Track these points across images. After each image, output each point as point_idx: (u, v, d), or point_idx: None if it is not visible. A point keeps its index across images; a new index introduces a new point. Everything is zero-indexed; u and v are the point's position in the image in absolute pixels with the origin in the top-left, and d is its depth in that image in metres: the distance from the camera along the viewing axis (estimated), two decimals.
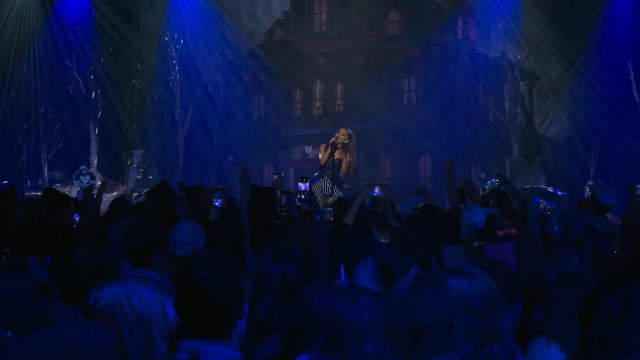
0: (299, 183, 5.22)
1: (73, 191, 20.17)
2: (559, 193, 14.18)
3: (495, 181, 6.90)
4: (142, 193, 17.62)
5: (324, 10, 28.90)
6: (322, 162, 11.57)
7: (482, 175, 22.71)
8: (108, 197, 14.29)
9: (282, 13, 29.78)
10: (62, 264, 3.93)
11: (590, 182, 18.59)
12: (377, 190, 6.34)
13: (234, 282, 2.55)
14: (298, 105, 29.31)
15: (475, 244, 4.69)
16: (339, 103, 28.07)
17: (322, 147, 11.89)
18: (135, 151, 25.12)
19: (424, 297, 2.37)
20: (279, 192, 6.32)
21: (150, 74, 25.83)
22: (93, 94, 24.93)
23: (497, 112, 25.15)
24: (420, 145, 25.82)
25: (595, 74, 21.71)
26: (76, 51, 24.42)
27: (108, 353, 3.73)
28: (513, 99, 24.71)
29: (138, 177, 24.35)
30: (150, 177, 23.93)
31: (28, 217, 6.03)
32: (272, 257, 3.71)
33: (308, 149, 27.21)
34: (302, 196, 5.03)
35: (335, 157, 11.40)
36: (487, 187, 7.29)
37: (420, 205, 5.91)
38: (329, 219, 5.15)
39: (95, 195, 7.42)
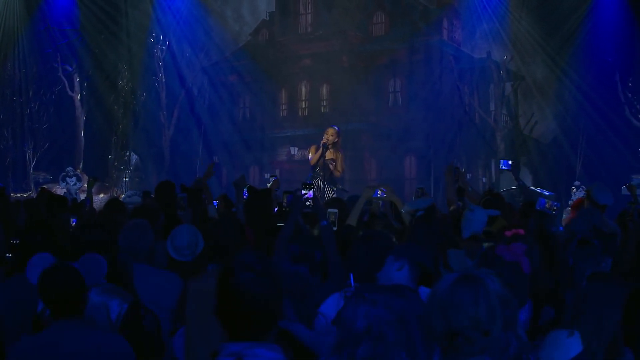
0: (303, 190, 5.24)
1: (59, 193, 20.02)
2: (547, 193, 14.29)
3: (508, 163, 6.73)
4: (130, 194, 17.53)
5: (309, 11, 28.84)
6: (312, 163, 11.56)
7: (469, 176, 22.74)
8: (96, 200, 14.22)
9: (268, 14, 29.71)
10: (62, 271, 3.75)
11: (577, 182, 18.68)
12: (379, 191, 6.32)
13: (275, 283, 2.53)
14: (283, 106, 29.21)
15: (485, 244, 4.69)
16: (324, 104, 28.01)
17: (313, 148, 11.89)
18: (129, 152, 25.00)
19: (463, 299, 2.28)
20: (281, 194, 6.34)
21: (136, 75, 25.69)
22: (79, 95, 24.77)
23: (483, 112, 25.22)
24: (406, 145, 25.84)
25: (580, 74, 21.76)
26: (62, 52, 24.26)
27: None
28: (499, 99, 24.77)
29: (125, 178, 24.24)
30: (137, 179, 23.88)
31: (30, 219, 5.99)
32: (290, 257, 3.70)
33: (294, 150, 27.16)
34: (307, 203, 5.06)
35: (327, 158, 11.40)
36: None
37: (427, 206, 5.90)
38: (334, 220, 5.17)
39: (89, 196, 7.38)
